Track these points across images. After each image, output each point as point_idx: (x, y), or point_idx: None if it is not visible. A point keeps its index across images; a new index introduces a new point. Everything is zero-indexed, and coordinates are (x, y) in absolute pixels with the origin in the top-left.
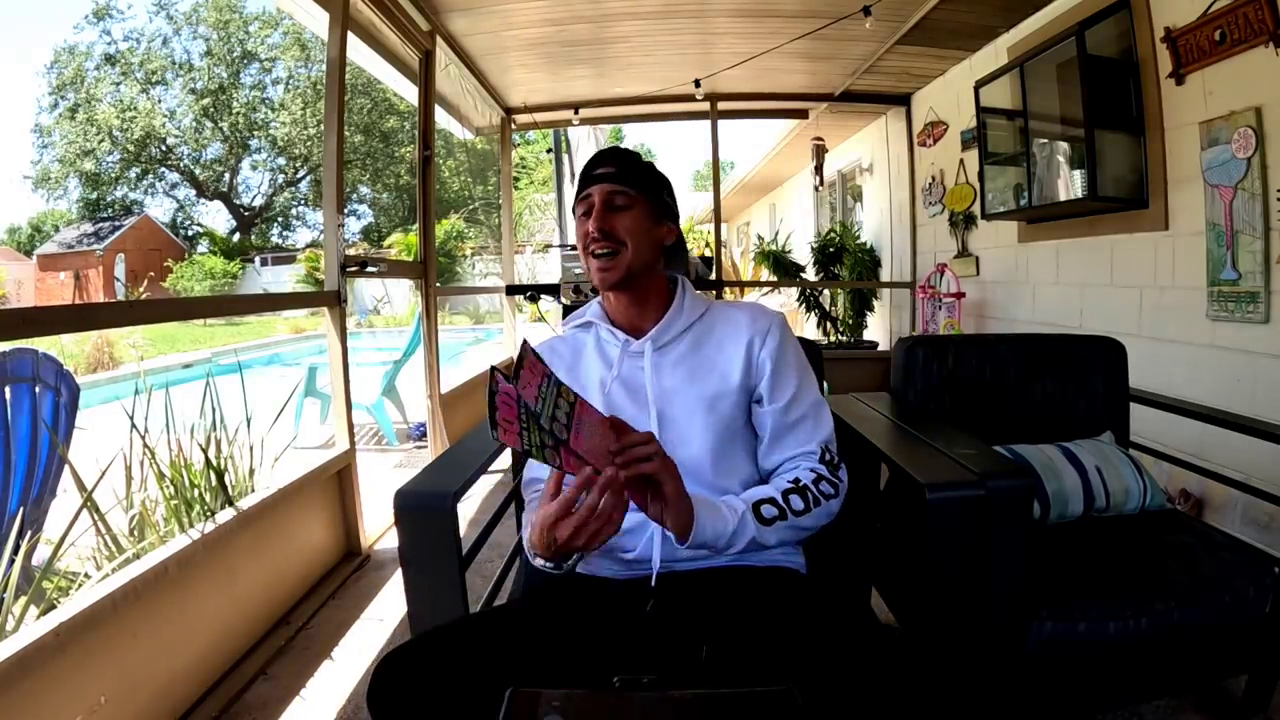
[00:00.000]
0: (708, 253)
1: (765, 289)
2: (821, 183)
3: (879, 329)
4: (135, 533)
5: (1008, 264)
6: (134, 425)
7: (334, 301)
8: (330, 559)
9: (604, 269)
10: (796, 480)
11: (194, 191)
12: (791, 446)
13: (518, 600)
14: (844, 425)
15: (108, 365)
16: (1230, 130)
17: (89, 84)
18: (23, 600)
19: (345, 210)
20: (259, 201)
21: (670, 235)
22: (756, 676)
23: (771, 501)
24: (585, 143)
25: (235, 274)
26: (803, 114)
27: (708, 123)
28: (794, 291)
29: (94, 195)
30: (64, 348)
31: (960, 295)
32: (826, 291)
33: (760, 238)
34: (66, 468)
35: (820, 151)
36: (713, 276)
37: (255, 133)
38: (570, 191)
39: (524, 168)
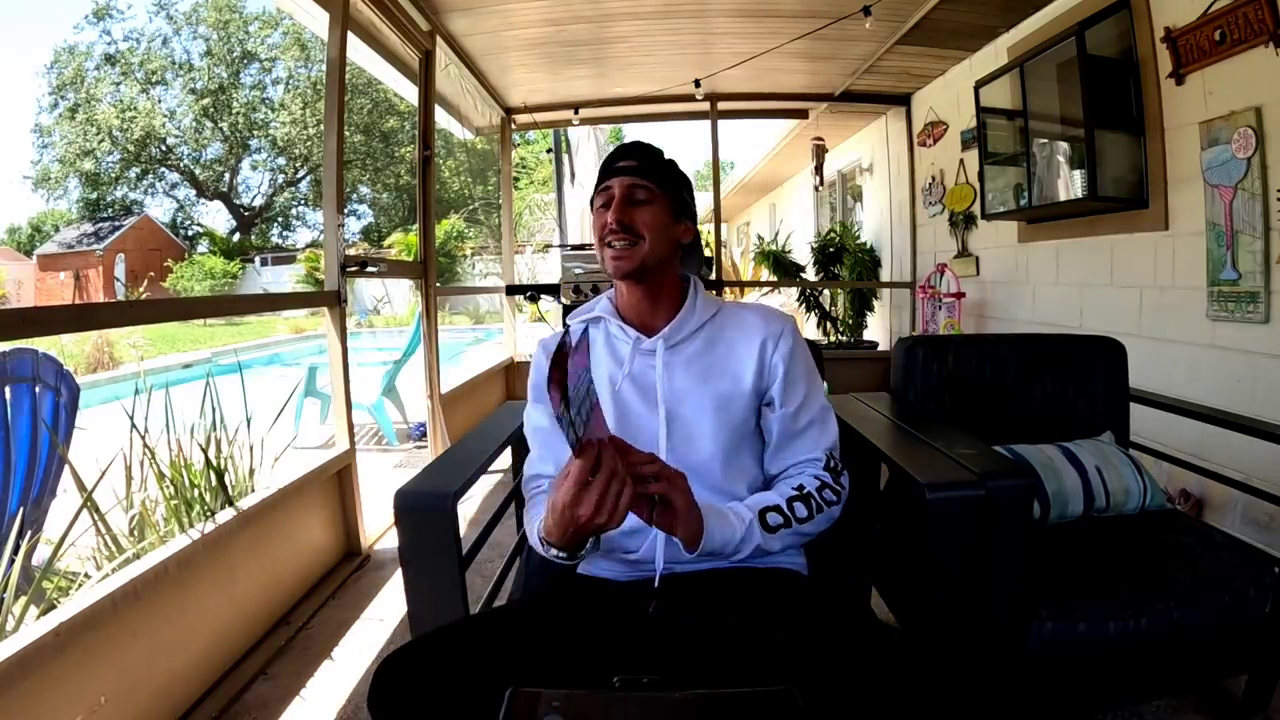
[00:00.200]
0: (708, 253)
1: (765, 289)
2: (821, 183)
3: (879, 329)
4: (135, 533)
5: (1008, 264)
6: (134, 425)
7: (334, 301)
8: (330, 559)
9: (618, 257)
10: (801, 487)
11: (194, 191)
12: (798, 452)
13: (519, 601)
14: (844, 425)
15: (108, 365)
16: (1230, 130)
17: (89, 84)
18: (23, 600)
19: (345, 210)
20: (259, 201)
21: (687, 234)
22: (757, 677)
23: (777, 509)
24: (585, 143)
25: (235, 274)
26: (803, 114)
27: (708, 123)
28: (794, 291)
29: (94, 195)
30: (64, 348)
31: (960, 295)
32: (826, 291)
33: (760, 238)
34: (66, 468)
35: (820, 151)
36: (712, 276)
37: (255, 133)
38: (570, 192)
39: (524, 168)
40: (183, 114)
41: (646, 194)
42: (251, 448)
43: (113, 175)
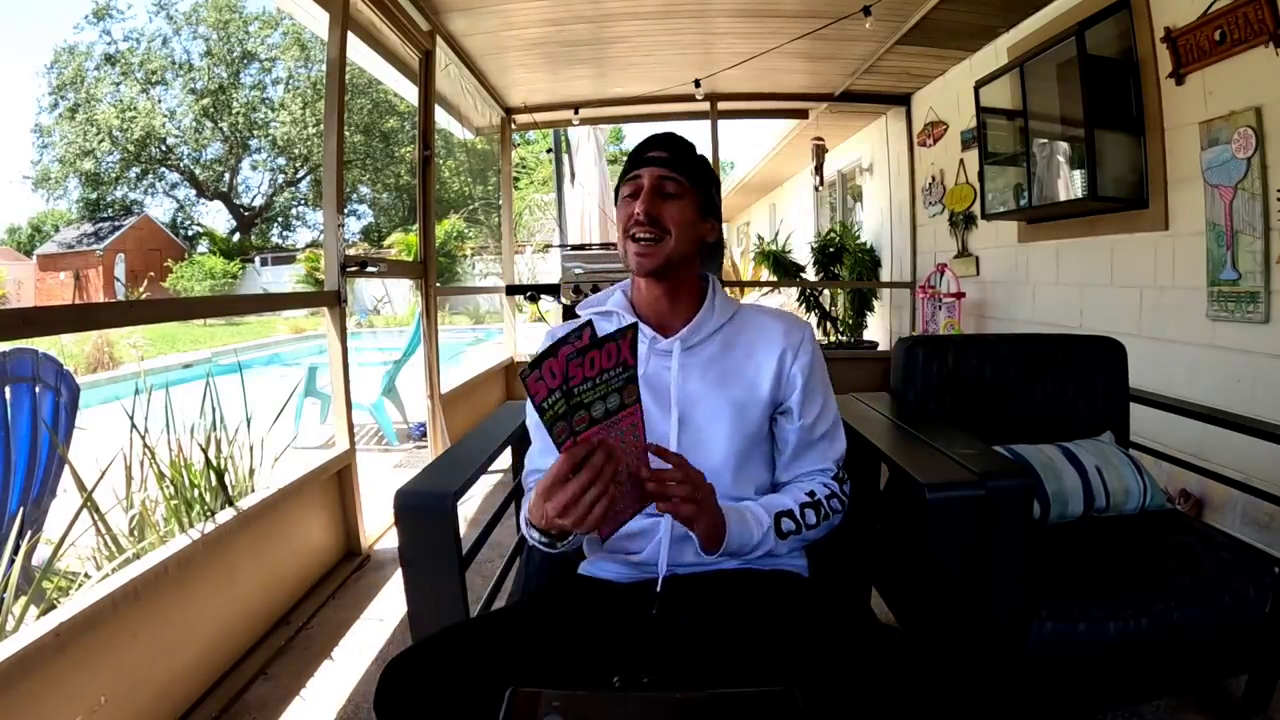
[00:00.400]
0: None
1: (765, 289)
2: (821, 183)
3: (879, 329)
4: (135, 533)
5: (1008, 264)
6: (134, 425)
7: (334, 301)
8: (330, 559)
9: (643, 254)
10: (812, 494)
11: (194, 191)
12: (811, 462)
13: (522, 603)
14: (845, 426)
15: (108, 365)
16: (1230, 130)
17: (89, 84)
18: (23, 600)
19: (345, 210)
20: (259, 201)
21: (713, 233)
22: (758, 677)
23: (790, 515)
24: (585, 143)
25: (235, 274)
26: (803, 114)
27: (708, 123)
28: (794, 291)
29: (94, 195)
30: (64, 348)
31: (960, 295)
32: (826, 291)
33: (760, 238)
34: (66, 468)
35: (820, 151)
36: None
37: (255, 133)
38: (570, 192)
39: (524, 168)
40: (183, 114)
41: (676, 187)
42: (251, 448)
43: (113, 175)
